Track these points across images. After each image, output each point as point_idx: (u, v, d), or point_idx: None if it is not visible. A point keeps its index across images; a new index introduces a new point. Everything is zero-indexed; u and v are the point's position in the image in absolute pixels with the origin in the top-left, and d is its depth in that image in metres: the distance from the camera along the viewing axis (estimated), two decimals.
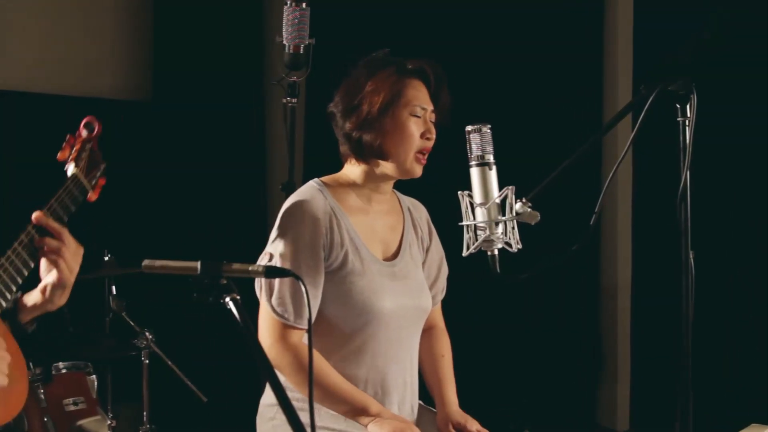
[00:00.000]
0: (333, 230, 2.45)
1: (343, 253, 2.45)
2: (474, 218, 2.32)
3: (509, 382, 4.48)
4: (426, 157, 2.50)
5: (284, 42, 2.93)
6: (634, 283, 4.61)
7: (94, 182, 2.13)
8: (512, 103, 4.33)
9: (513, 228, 2.31)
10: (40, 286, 1.95)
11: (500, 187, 2.32)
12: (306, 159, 4.84)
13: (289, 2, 2.90)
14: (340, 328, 2.45)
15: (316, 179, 2.56)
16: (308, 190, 2.51)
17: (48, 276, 1.95)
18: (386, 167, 2.49)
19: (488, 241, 2.29)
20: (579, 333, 4.61)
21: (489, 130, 2.33)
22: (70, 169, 2.09)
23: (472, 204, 2.32)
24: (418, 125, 2.47)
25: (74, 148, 2.11)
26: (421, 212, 2.72)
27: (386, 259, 2.56)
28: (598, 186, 4.39)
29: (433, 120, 2.51)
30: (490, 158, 2.32)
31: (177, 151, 4.90)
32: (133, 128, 4.92)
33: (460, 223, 2.34)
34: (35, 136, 4.55)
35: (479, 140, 2.32)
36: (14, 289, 1.85)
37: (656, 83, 2.21)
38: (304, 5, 2.90)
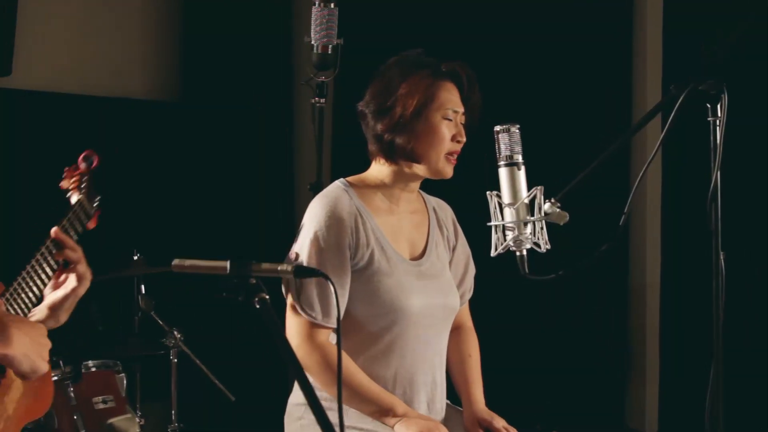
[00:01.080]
0: (358, 230, 2.45)
1: (369, 253, 2.45)
2: (502, 218, 2.31)
3: (537, 383, 4.46)
4: (456, 157, 2.50)
5: (312, 42, 2.93)
6: (663, 283, 4.58)
7: (93, 211, 2.19)
8: (541, 103, 4.31)
9: (542, 228, 2.30)
10: (47, 302, 1.98)
11: (529, 188, 2.31)
12: (334, 159, 4.85)
13: (317, 2, 2.90)
14: (367, 327, 2.46)
15: (341, 179, 2.57)
16: (334, 191, 2.52)
17: (59, 291, 1.99)
18: (417, 168, 2.50)
19: (517, 241, 2.29)
20: (607, 334, 4.59)
21: (518, 130, 2.33)
22: (74, 197, 2.17)
23: (500, 204, 2.32)
24: (449, 128, 2.47)
25: (73, 179, 2.19)
26: (446, 212, 2.72)
27: (413, 259, 2.56)
28: (627, 186, 4.36)
29: (463, 122, 2.51)
30: (519, 158, 2.32)
31: (206, 152, 4.92)
32: (162, 128, 4.94)
33: (488, 224, 2.34)
34: (65, 137, 4.59)
35: (508, 140, 2.31)
36: (35, 301, 1.88)
37: (687, 83, 2.20)
38: (332, 5, 2.90)
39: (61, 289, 1.98)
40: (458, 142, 2.49)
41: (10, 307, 1.83)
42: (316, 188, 2.91)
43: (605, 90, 4.47)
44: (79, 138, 4.60)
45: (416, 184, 2.59)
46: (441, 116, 2.46)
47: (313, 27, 2.92)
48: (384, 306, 2.45)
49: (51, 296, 1.98)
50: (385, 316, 2.45)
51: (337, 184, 2.55)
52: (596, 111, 4.43)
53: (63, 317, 2.00)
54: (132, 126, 4.82)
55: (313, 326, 2.41)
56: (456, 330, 2.70)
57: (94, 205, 2.19)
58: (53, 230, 1.98)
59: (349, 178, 2.57)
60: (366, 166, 2.61)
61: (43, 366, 1.75)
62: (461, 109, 2.50)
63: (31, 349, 1.70)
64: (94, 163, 2.19)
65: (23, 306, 1.87)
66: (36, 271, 1.91)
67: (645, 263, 4.57)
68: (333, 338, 2.46)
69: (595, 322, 4.54)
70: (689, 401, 4.35)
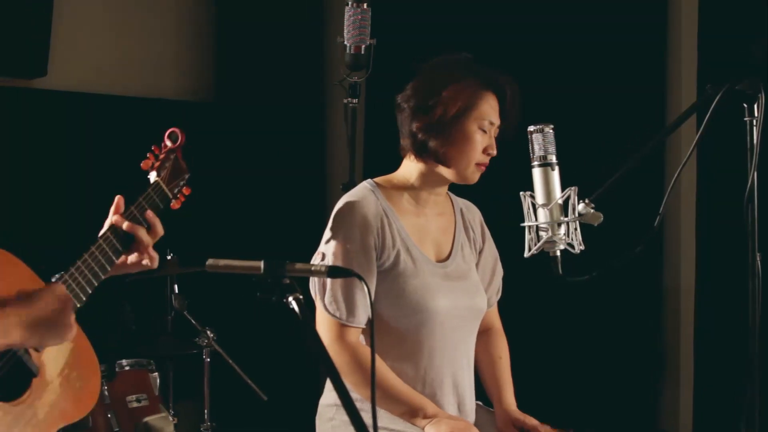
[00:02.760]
0: (384, 230, 2.46)
1: (395, 253, 2.46)
2: (536, 219, 2.30)
3: (569, 385, 4.44)
4: (485, 167, 2.50)
5: (345, 42, 2.93)
6: (698, 285, 4.53)
7: (176, 191, 2.17)
8: (575, 102, 4.28)
9: (576, 229, 2.29)
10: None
11: (563, 188, 2.30)
12: (366, 159, 4.85)
13: (350, 3, 2.91)
14: (394, 328, 2.45)
15: (369, 180, 2.58)
16: (360, 191, 2.53)
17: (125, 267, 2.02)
18: (444, 172, 2.50)
19: (550, 242, 2.28)
20: (641, 336, 4.55)
21: (551, 131, 2.32)
22: (152, 177, 2.13)
23: (534, 205, 2.31)
24: (483, 139, 2.47)
25: (158, 158, 2.15)
26: (474, 214, 2.71)
27: (439, 261, 2.56)
28: (662, 187, 4.33)
29: (496, 135, 2.51)
30: (553, 158, 2.31)
31: (239, 152, 4.94)
32: (196, 129, 4.95)
33: (522, 224, 2.33)
34: (101, 137, 4.62)
35: (542, 140, 2.30)
36: (90, 291, 1.87)
37: (723, 82, 2.18)
38: (365, 6, 2.90)
39: (131, 267, 2.00)
40: (488, 154, 2.49)
41: (68, 291, 1.81)
42: (349, 188, 2.91)
43: (639, 89, 4.43)
44: (113, 138, 4.63)
45: (443, 188, 2.59)
46: (477, 126, 2.46)
47: (345, 27, 2.92)
48: (410, 307, 2.45)
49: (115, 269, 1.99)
50: (412, 317, 2.45)
51: (365, 184, 2.56)
52: (630, 111, 4.40)
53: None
54: (166, 126, 4.84)
55: (342, 326, 2.42)
56: (485, 332, 2.69)
57: (181, 183, 2.18)
58: (124, 225, 1.97)
59: (377, 179, 2.58)
60: (397, 166, 2.61)
61: (63, 332, 1.73)
62: (498, 122, 2.50)
63: (42, 324, 1.69)
64: (180, 140, 2.18)
65: (80, 292, 1.85)
66: (91, 264, 1.89)
67: (679, 265, 4.53)
68: (363, 338, 2.46)
69: (628, 323, 4.50)
70: (724, 404, 4.31)
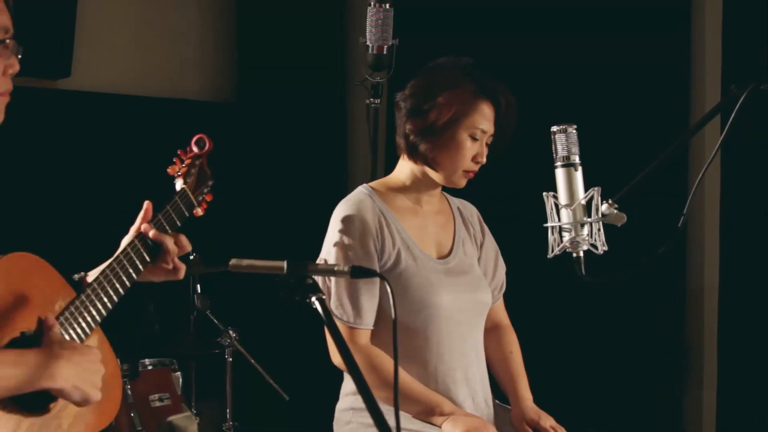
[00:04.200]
0: (383, 232, 2.48)
1: (395, 253, 2.48)
2: (559, 219, 2.30)
3: (592, 386, 4.42)
4: (473, 174, 2.52)
5: (368, 43, 2.93)
6: (722, 286, 4.51)
7: (201, 198, 2.18)
8: (598, 103, 4.27)
9: (599, 230, 2.28)
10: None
11: (586, 188, 2.29)
12: (388, 160, 4.84)
13: (372, 3, 2.90)
14: (400, 327, 2.46)
15: (364, 185, 2.62)
16: (356, 195, 2.57)
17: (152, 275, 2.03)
18: (433, 174, 2.54)
19: (574, 242, 2.27)
20: (664, 337, 4.53)
21: (575, 131, 2.31)
22: (179, 184, 2.13)
23: (557, 205, 2.30)
24: (473, 147, 2.50)
25: (184, 164, 2.15)
26: (471, 211, 2.75)
27: (440, 257, 2.58)
28: (685, 187, 4.30)
29: (488, 142, 2.53)
30: (576, 159, 2.30)
31: (261, 152, 4.95)
32: (218, 129, 4.96)
33: (544, 225, 2.33)
34: (124, 137, 4.65)
35: (565, 141, 2.30)
36: (116, 300, 1.88)
37: (748, 82, 2.16)
38: (387, 6, 2.90)
39: (157, 275, 2.01)
40: (477, 163, 2.52)
41: (95, 298, 1.82)
42: None
43: (663, 89, 4.41)
44: (136, 138, 4.65)
45: (437, 189, 2.62)
46: (468, 134, 2.49)
47: (368, 27, 2.92)
48: (414, 303, 2.46)
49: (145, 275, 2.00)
50: (417, 314, 2.47)
51: (360, 189, 2.60)
52: (654, 111, 4.37)
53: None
54: (188, 127, 4.85)
55: (351, 329, 2.43)
56: (494, 329, 2.71)
57: (205, 191, 2.18)
58: (151, 233, 1.98)
59: (372, 183, 2.62)
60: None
61: (95, 395, 1.74)
62: (490, 131, 2.52)
63: (81, 380, 1.70)
64: (206, 147, 2.18)
65: (107, 300, 1.86)
66: (124, 266, 1.90)
67: (703, 265, 4.50)
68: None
69: (651, 324, 4.48)
70: (747, 406, 4.28)
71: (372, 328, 2.46)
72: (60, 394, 1.70)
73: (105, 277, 1.87)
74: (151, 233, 1.98)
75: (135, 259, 1.94)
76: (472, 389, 2.55)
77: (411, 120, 2.50)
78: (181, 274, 2.05)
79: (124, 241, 2.00)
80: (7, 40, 1.73)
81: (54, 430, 1.75)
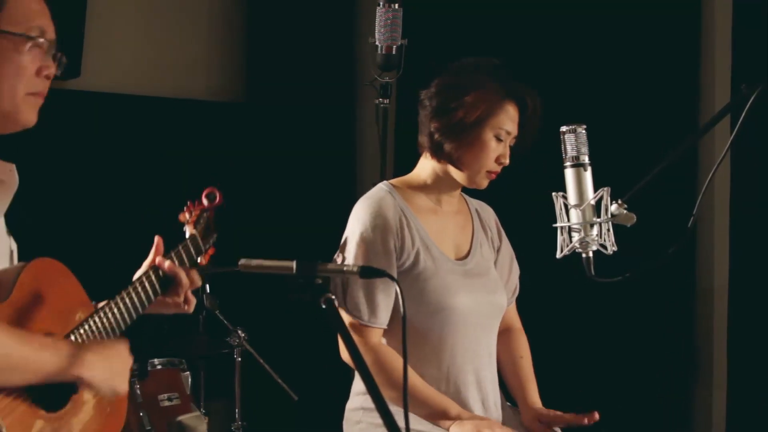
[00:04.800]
0: (403, 231, 2.47)
1: (414, 253, 2.47)
2: (568, 220, 2.29)
3: (601, 386, 4.41)
4: (496, 174, 2.51)
5: (377, 43, 2.93)
6: (732, 287, 4.50)
7: (207, 247, 2.21)
8: (607, 103, 4.26)
9: (608, 230, 2.28)
10: None
11: (595, 189, 2.29)
12: (397, 160, 4.84)
13: (382, 3, 2.91)
14: (416, 327, 2.46)
15: (385, 182, 2.60)
16: (377, 193, 2.55)
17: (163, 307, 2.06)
18: (456, 174, 2.52)
19: (583, 243, 2.27)
20: (674, 337, 4.52)
21: (584, 131, 2.31)
22: (188, 230, 2.17)
23: (566, 205, 2.30)
24: (497, 147, 2.48)
25: (193, 214, 2.19)
26: (489, 213, 2.74)
27: (458, 259, 2.57)
28: (695, 187, 4.29)
29: (512, 143, 2.52)
30: (585, 159, 2.30)
31: (269, 152, 4.95)
32: (227, 129, 4.98)
33: (554, 225, 2.32)
34: (132, 138, 4.65)
35: (574, 141, 2.30)
36: (123, 329, 1.90)
37: (758, 82, 2.16)
38: (396, 6, 2.90)
39: (167, 308, 2.05)
40: (500, 164, 2.51)
41: (99, 322, 1.85)
42: None
43: (673, 89, 4.40)
44: (146, 138, 4.66)
45: (457, 190, 2.61)
46: (493, 134, 2.47)
47: (377, 28, 2.92)
48: (431, 305, 2.45)
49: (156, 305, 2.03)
50: (433, 316, 2.46)
51: (381, 186, 2.58)
52: (663, 111, 4.36)
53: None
54: (197, 127, 4.87)
55: (364, 328, 2.43)
56: (505, 332, 2.70)
57: (210, 242, 2.22)
58: (167, 264, 2.01)
59: (393, 180, 2.60)
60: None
61: (123, 386, 1.78)
62: (514, 132, 2.51)
63: (111, 372, 1.74)
64: (217, 201, 2.21)
65: (115, 326, 1.88)
66: (137, 294, 1.94)
67: (713, 266, 4.49)
68: (385, 340, 2.47)
69: (661, 325, 4.47)
70: (758, 407, 4.27)
71: (386, 327, 2.46)
72: (90, 384, 1.72)
73: (115, 304, 1.89)
74: (167, 265, 2.02)
75: (148, 289, 1.97)
76: (483, 392, 2.54)
77: (437, 118, 2.49)
78: (191, 308, 2.10)
79: (138, 274, 2.03)
80: (41, 39, 1.74)
81: None
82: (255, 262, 1.82)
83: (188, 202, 2.21)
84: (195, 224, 2.17)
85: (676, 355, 4.53)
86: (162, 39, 4.95)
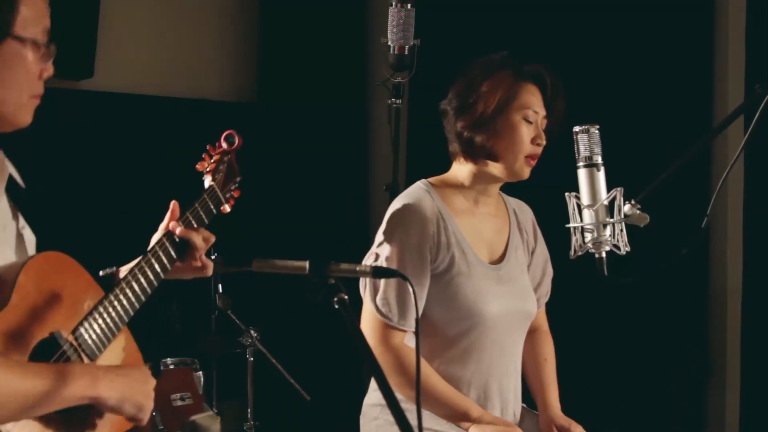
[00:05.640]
0: (440, 232, 2.44)
1: (449, 256, 2.44)
2: (581, 220, 2.29)
3: (614, 387, 4.41)
4: (535, 160, 2.47)
5: (389, 43, 2.93)
6: (745, 287, 4.49)
7: (228, 195, 2.19)
8: (620, 103, 4.25)
9: (621, 230, 2.27)
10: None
11: (608, 189, 2.28)
12: (409, 160, 4.85)
13: (394, 3, 2.90)
14: (444, 331, 2.44)
15: (423, 180, 2.55)
16: (416, 191, 2.50)
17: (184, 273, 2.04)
18: (495, 168, 2.47)
19: (596, 243, 2.26)
20: (687, 338, 4.51)
21: (597, 131, 2.31)
22: (207, 180, 2.14)
23: (579, 205, 2.29)
24: (529, 130, 2.45)
25: (212, 160, 2.16)
26: (526, 215, 2.69)
27: (492, 263, 2.54)
28: (708, 188, 4.28)
29: (544, 126, 2.48)
30: (598, 159, 2.30)
31: (282, 152, 4.95)
32: (239, 129, 4.98)
33: (567, 225, 2.32)
34: (145, 138, 4.66)
35: (587, 141, 2.29)
36: (144, 299, 1.88)
37: None
38: (409, 6, 2.90)
39: (185, 273, 2.03)
40: (537, 145, 2.46)
41: (122, 296, 1.83)
42: (392, 189, 2.92)
43: (686, 89, 4.39)
44: (158, 139, 4.67)
45: (495, 188, 2.57)
46: (521, 117, 2.44)
47: (389, 28, 2.92)
48: (462, 311, 2.43)
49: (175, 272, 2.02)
50: (463, 321, 2.44)
51: (419, 185, 2.54)
52: (676, 111, 4.35)
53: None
54: (210, 127, 4.87)
55: (388, 328, 2.41)
56: (532, 333, 2.67)
57: (233, 187, 2.19)
58: (178, 230, 1.99)
59: (431, 179, 2.56)
60: (441, 167, 2.60)
61: (149, 406, 1.74)
62: (542, 112, 2.48)
63: (131, 390, 1.71)
64: (236, 144, 2.19)
65: (134, 298, 1.86)
66: (152, 265, 1.91)
67: (726, 266, 4.48)
68: (407, 340, 2.45)
69: (674, 325, 4.46)
70: None
71: (412, 330, 2.43)
72: (104, 405, 1.68)
73: (133, 275, 1.87)
74: (179, 230, 1.99)
75: (162, 257, 1.95)
76: (504, 400, 2.53)
77: (460, 118, 2.46)
78: (209, 271, 2.07)
79: (153, 240, 2.01)
80: (51, 45, 1.75)
81: None
82: (268, 262, 1.82)
83: (207, 147, 2.17)
84: (214, 173, 2.14)
85: (689, 355, 4.52)
86: (174, 39, 4.96)
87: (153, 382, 1.78)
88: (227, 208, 2.17)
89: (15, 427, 1.61)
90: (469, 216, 2.53)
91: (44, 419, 1.65)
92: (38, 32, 1.74)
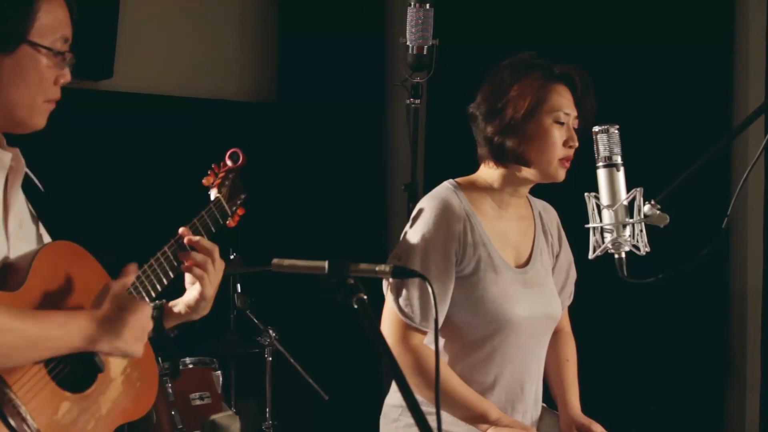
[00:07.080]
0: (467, 235, 2.42)
1: (475, 259, 2.42)
2: (601, 220, 2.28)
3: (634, 387, 4.39)
4: (569, 162, 2.44)
5: (408, 43, 2.92)
6: (765, 287, 4.46)
7: (234, 209, 2.20)
8: (640, 103, 4.23)
9: (641, 231, 2.26)
10: (186, 298, 2.03)
11: (628, 189, 2.27)
12: (427, 160, 4.84)
13: (413, 3, 2.90)
14: (468, 334, 2.43)
15: (450, 180, 2.52)
16: (443, 192, 2.48)
17: (192, 289, 2.03)
18: (528, 172, 2.44)
19: (615, 243, 2.25)
20: (707, 339, 4.49)
21: (617, 131, 2.29)
22: (213, 193, 2.17)
23: (599, 206, 2.29)
24: (561, 132, 2.41)
25: (218, 176, 2.19)
26: (551, 217, 2.66)
27: (518, 266, 2.51)
28: (728, 188, 4.26)
29: (576, 126, 2.45)
30: (618, 159, 2.28)
31: (301, 152, 4.97)
32: (259, 129, 5.00)
33: (586, 225, 2.31)
34: (165, 138, 4.68)
35: (607, 141, 2.28)
36: (152, 298, 1.91)
37: None
38: (428, 6, 2.89)
39: (197, 287, 2.03)
40: (570, 147, 2.42)
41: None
42: (411, 189, 2.91)
43: (706, 89, 4.37)
44: (177, 138, 4.69)
45: (525, 189, 2.54)
46: (552, 120, 2.40)
47: (408, 28, 2.91)
48: (488, 314, 2.41)
49: (189, 292, 2.03)
50: (488, 325, 2.42)
51: (446, 185, 2.51)
52: (696, 111, 4.33)
53: (203, 311, 2.06)
54: (229, 127, 4.90)
55: (409, 328, 2.39)
56: (554, 333, 2.65)
57: (237, 203, 2.21)
58: (182, 230, 2.01)
59: (459, 180, 2.53)
60: (460, 167, 2.59)
61: (137, 350, 1.77)
62: (573, 113, 2.44)
63: (127, 336, 1.73)
64: (240, 161, 2.21)
65: (148, 291, 1.90)
66: (155, 271, 1.94)
67: (746, 267, 4.46)
68: (426, 341, 2.44)
69: (694, 326, 4.44)
70: None
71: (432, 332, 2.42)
72: (96, 350, 1.73)
73: (143, 273, 1.91)
74: (186, 239, 2.01)
75: (171, 258, 1.98)
76: (525, 405, 2.51)
77: (490, 122, 2.42)
78: (208, 290, 2.07)
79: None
80: (67, 54, 1.77)
81: (93, 413, 1.78)
82: (287, 262, 1.81)
83: (213, 165, 2.21)
84: (219, 187, 2.17)
85: (709, 356, 4.50)
86: (194, 40, 4.98)
87: (148, 326, 1.80)
88: (232, 223, 2.21)
89: (27, 395, 1.65)
90: (496, 219, 2.50)
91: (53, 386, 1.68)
92: (56, 40, 1.77)
